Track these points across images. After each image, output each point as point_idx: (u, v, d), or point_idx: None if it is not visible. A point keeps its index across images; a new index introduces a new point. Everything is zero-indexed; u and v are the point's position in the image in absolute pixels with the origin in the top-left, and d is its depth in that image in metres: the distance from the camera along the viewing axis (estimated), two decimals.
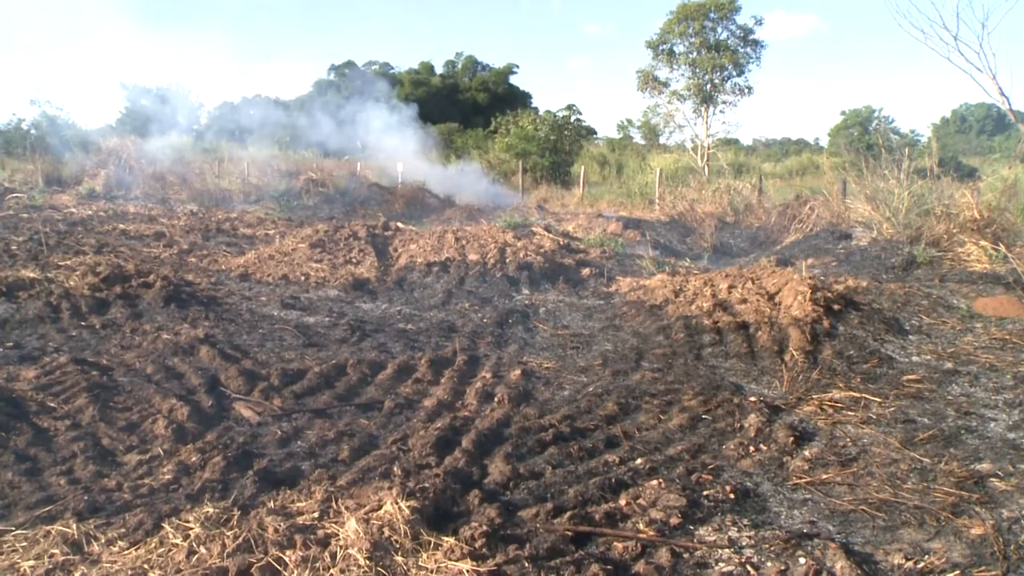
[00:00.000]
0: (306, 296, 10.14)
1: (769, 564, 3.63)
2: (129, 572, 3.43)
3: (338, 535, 3.53)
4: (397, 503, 3.71)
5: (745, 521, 4.10)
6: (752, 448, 5.14)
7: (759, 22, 34.38)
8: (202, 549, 3.51)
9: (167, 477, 4.49)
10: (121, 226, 16.76)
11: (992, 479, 4.66)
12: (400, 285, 10.98)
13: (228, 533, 3.60)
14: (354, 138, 38.71)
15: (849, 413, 5.88)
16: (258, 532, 3.57)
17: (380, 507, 3.72)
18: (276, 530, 3.56)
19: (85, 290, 9.09)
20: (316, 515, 3.75)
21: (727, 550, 3.77)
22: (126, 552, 3.58)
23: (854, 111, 54.62)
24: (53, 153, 30.45)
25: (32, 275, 9.79)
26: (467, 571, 3.34)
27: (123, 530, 3.75)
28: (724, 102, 34.42)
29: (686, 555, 3.72)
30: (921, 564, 3.64)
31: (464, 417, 5.55)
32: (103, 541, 3.66)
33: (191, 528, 3.69)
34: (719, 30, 33.60)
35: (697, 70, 33.69)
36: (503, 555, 3.50)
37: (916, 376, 6.81)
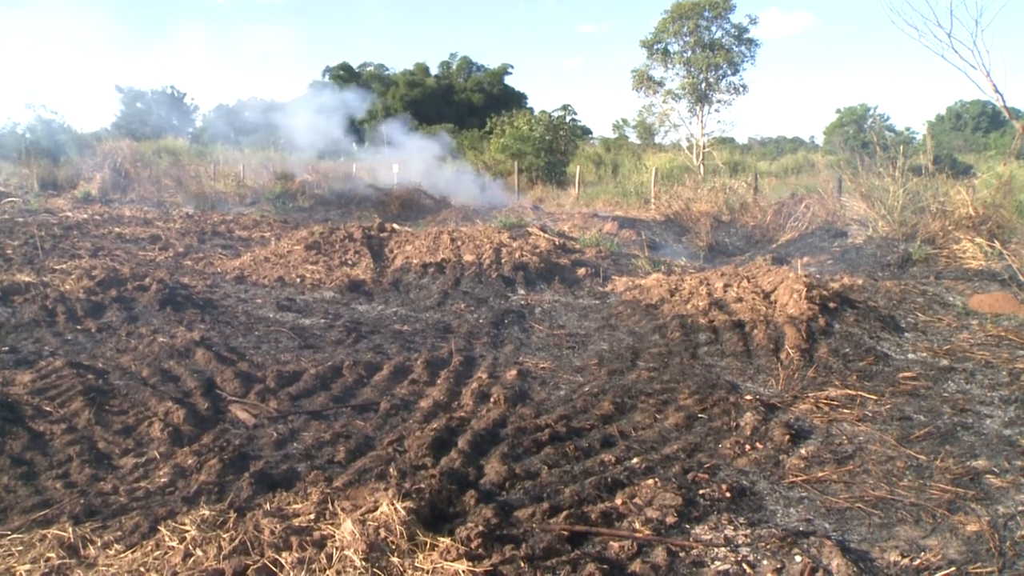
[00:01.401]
0: (302, 298, 10.14)
1: (765, 562, 3.63)
2: (125, 575, 3.43)
3: (334, 536, 3.53)
4: (393, 504, 3.71)
5: (741, 519, 4.11)
6: (748, 447, 5.15)
7: (753, 21, 34.51)
8: (198, 551, 3.50)
9: (163, 480, 4.49)
10: (117, 229, 16.74)
11: (988, 476, 4.67)
12: (396, 286, 10.98)
13: (224, 535, 3.60)
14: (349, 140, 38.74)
15: (845, 411, 5.89)
16: (254, 534, 3.57)
17: (376, 508, 3.72)
18: (272, 532, 3.56)
19: (80, 294, 9.08)
20: (312, 517, 3.75)
21: (723, 549, 3.78)
22: (122, 555, 3.58)
23: (849, 109, 54.77)
24: (48, 157, 30.41)
25: (27, 279, 9.79)
26: (463, 571, 3.34)
27: (119, 533, 3.75)
28: (719, 101, 34.47)
29: (682, 554, 3.72)
30: (917, 561, 3.65)
31: (460, 418, 5.55)
32: (99, 544, 3.66)
33: (187, 531, 3.69)
34: (714, 29, 33.64)
35: (692, 69, 33.72)
36: (499, 555, 3.50)
37: (912, 373, 6.82)
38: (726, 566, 3.62)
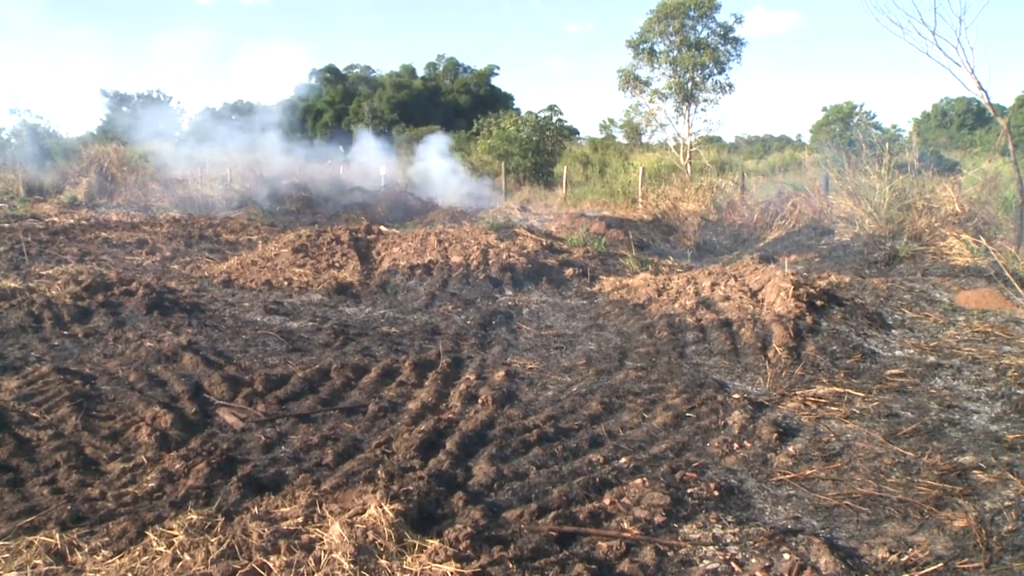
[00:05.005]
0: (289, 301, 10.11)
1: (753, 560, 3.64)
2: None
3: (322, 540, 3.53)
4: (381, 506, 3.70)
5: (729, 518, 4.12)
6: (736, 445, 5.16)
7: (739, 20, 34.40)
8: (186, 556, 3.49)
9: (151, 485, 4.47)
10: (103, 234, 16.66)
11: (975, 471, 4.69)
12: (383, 288, 10.96)
13: (212, 540, 3.58)
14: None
15: (833, 408, 5.91)
16: (242, 538, 3.56)
17: (364, 511, 3.71)
18: (260, 536, 3.55)
19: (67, 299, 9.03)
20: (300, 520, 3.74)
21: (711, 547, 3.79)
22: (110, 561, 3.56)
23: (835, 107, 54.90)
24: (34, 162, 30.24)
25: (13, 285, 9.73)
26: (451, 573, 3.34)
27: (107, 539, 3.73)
28: (706, 100, 34.38)
29: (671, 553, 3.73)
30: (905, 557, 3.66)
31: (448, 419, 5.54)
32: (86, 550, 3.64)
33: (175, 535, 3.67)
34: (699, 28, 33.60)
35: (678, 68, 33.68)
36: (487, 556, 3.50)
37: (899, 370, 6.85)
38: (715, 565, 3.63)
